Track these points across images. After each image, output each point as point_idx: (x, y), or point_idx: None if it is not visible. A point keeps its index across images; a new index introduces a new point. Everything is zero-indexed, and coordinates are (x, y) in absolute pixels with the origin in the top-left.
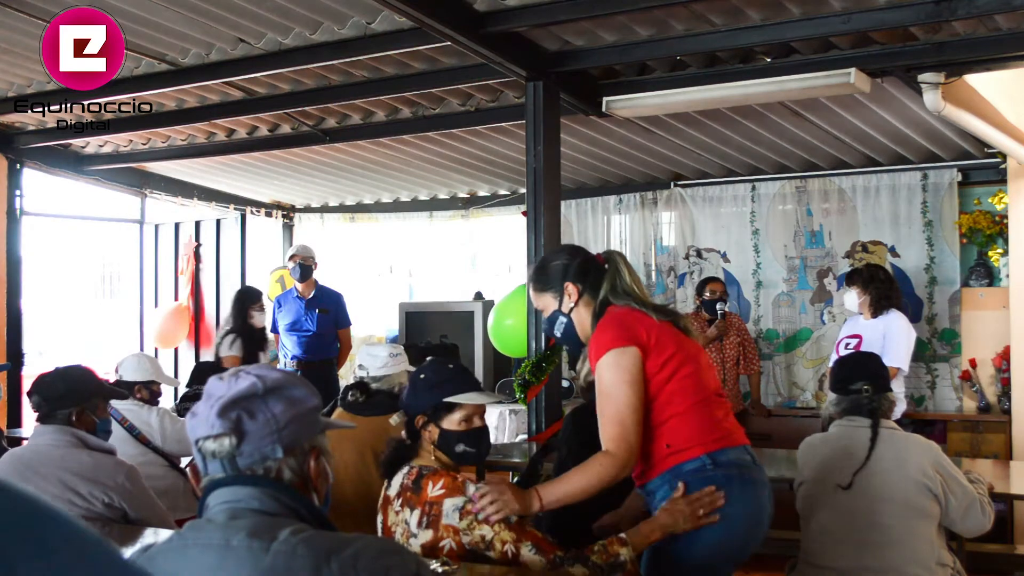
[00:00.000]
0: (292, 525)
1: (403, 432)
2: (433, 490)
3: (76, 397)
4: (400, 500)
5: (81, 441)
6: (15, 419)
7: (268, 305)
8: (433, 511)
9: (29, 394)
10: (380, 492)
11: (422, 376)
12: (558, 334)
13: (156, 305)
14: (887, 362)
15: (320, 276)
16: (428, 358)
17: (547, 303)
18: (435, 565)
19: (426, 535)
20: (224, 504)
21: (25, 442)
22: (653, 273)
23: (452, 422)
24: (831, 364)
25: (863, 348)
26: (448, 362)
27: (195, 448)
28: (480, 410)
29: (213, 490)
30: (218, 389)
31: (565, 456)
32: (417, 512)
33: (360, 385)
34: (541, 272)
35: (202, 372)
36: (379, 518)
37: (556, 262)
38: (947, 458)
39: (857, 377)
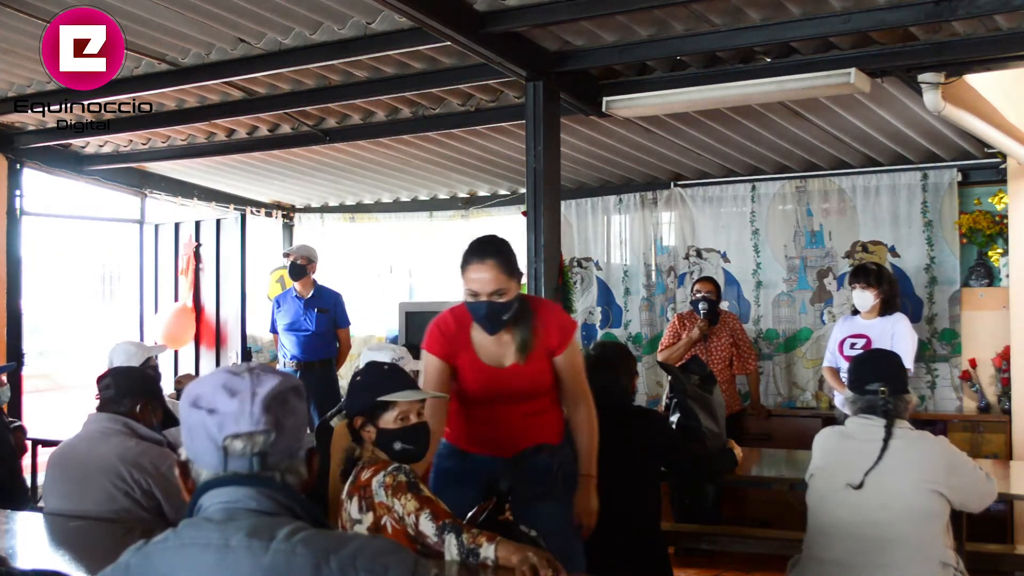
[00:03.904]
0: (290, 524)
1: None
2: (364, 474)
3: (146, 388)
4: (346, 494)
5: (132, 430)
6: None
7: (267, 305)
8: (367, 493)
9: (100, 379)
10: None
11: (358, 379)
12: (507, 316)
13: (156, 305)
14: None
15: (320, 276)
16: (367, 361)
17: (512, 290)
18: None
19: (368, 518)
20: (220, 504)
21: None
22: (653, 273)
23: (388, 421)
24: (827, 364)
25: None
26: (383, 364)
27: (216, 445)
28: (416, 407)
29: (206, 491)
30: (240, 384)
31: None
32: (356, 499)
33: None
34: (510, 257)
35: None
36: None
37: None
38: (955, 452)
39: (874, 378)
